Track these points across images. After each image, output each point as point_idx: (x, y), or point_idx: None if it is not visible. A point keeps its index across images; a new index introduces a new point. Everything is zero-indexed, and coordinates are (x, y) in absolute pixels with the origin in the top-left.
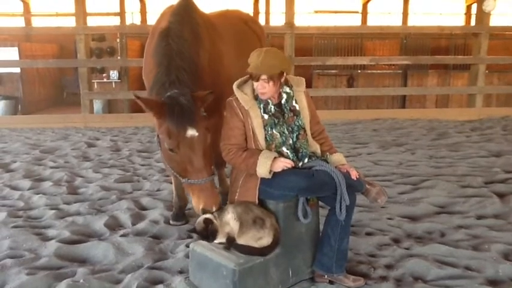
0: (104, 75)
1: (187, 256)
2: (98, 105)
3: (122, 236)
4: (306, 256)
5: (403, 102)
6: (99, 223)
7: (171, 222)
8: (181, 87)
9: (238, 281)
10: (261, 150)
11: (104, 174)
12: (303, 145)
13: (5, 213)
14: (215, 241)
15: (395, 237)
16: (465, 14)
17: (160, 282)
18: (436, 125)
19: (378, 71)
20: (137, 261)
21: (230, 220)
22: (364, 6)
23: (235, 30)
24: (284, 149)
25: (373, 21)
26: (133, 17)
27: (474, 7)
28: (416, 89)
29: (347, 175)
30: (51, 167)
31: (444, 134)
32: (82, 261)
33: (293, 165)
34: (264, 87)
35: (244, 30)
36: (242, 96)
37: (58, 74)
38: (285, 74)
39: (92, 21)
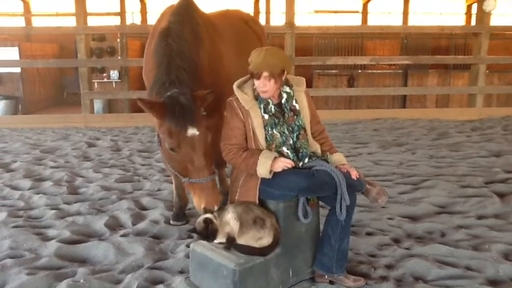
0: (104, 75)
1: (187, 256)
2: (98, 105)
3: (122, 236)
4: (306, 256)
5: (403, 102)
6: (99, 223)
7: (171, 222)
8: (181, 87)
9: (239, 281)
10: (261, 150)
11: (104, 174)
12: (303, 145)
13: (5, 213)
14: (215, 241)
15: (396, 237)
16: (465, 13)
17: (161, 282)
18: (437, 124)
19: (379, 71)
20: (137, 261)
21: (230, 220)
22: (365, 6)
23: (235, 30)
24: (284, 149)
25: (373, 21)
26: (133, 17)
27: (474, 7)
28: (417, 89)
29: (347, 175)
30: (52, 167)
31: (444, 134)
32: (82, 261)
33: (293, 165)
34: (265, 85)
35: (244, 30)
36: (242, 96)
37: (58, 74)
38: (285, 72)
39: (92, 21)
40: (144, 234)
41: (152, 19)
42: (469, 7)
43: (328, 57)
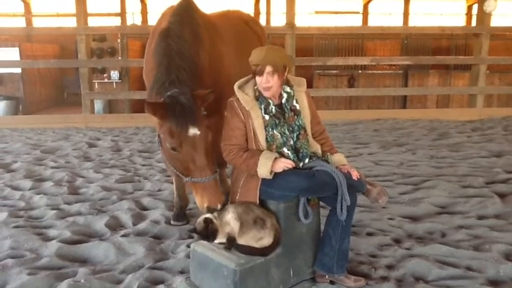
0: (105, 75)
1: (188, 256)
2: (98, 105)
3: (122, 236)
4: (307, 256)
5: (404, 102)
6: (100, 223)
7: (172, 222)
8: (181, 87)
9: (239, 281)
10: (262, 151)
11: (105, 174)
12: (304, 145)
13: (6, 213)
14: (216, 241)
15: (396, 238)
16: (466, 14)
17: (161, 282)
18: (437, 125)
19: (379, 71)
20: (138, 261)
21: (231, 220)
22: (365, 6)
23: (235, 30)
24: (285, 149)
25: (374, 21)
26: (134, 18)
27: (475, 7)
28: (417, 89)
29: (348, 175)
30: (52, 167)
31: (445, 134)
32: (83, 262)
33: (294, 165)
34: (269, 81)
35: (245, 30)
36: (243, 97)
37: (59, 74)
38: (287, 70)
39: (92, 22)
40: (144, 234)
41: (153, 20)
42: (469, 8)
43: (329, 58)
